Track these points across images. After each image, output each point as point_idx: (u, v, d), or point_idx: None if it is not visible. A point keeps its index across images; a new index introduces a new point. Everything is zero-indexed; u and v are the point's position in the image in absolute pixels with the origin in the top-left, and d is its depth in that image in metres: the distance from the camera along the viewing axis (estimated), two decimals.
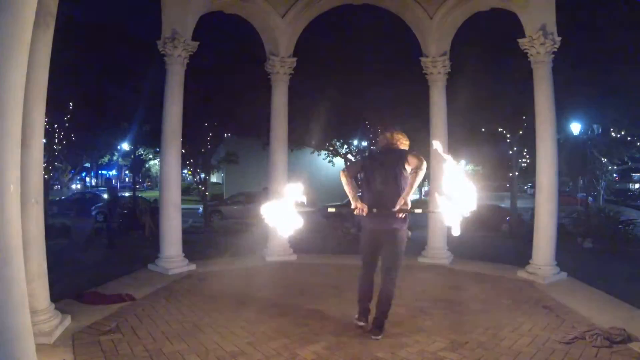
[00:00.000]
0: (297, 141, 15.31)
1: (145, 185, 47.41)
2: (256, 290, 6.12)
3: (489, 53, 11.70)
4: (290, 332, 4.45)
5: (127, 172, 50.67)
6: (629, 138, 20.43)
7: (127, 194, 28.12)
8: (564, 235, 9.89)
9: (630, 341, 4.10)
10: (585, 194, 20.08)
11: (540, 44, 6.69)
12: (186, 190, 25.90)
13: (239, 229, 14.52)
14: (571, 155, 18.30)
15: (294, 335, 4.36)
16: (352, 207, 4.25)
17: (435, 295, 5.83)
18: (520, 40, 6.96)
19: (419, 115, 10.47)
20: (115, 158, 34.69)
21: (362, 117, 17.16)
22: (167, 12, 7.12)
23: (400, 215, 4.22)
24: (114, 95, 15.04)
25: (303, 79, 9.30)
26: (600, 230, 11.66)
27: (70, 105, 15.56)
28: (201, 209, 17.96)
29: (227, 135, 18.84)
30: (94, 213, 16.34)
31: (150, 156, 30.75)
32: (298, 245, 8.58)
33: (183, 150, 8.41)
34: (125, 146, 27.94)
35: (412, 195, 4.24)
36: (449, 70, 8.22)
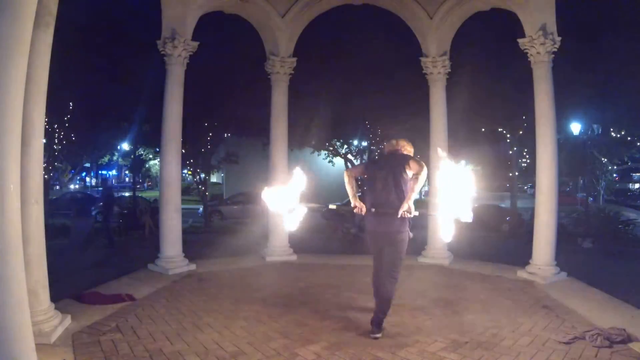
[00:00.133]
0: (297, 141, 15.30)
1: (145, 185, 47.39)
2: (256, 290, 6.11)
3: (489, 53, 11.71)
4: (290, 332, 4.45)
5: (127, 172, 50.67)
6: (629, 138, 20.43)
7: (127, 194, 28.14)
8: (564, 235, 9.89)
9: (630, 341, 4.10)
10: (585, 194, 20.08)
11: (540, 44, 6.69)
12: (186, 190, 25.91)
13: (239, 229, 14.53)
14: (571, 155, 18.30)
15: (294, 335, 4.36)
16: (352, 205, 4.39)
17: (435, 295, 5.83)
18: (520, 40, 6.96)
19: (419, 115, 10.47)
20: (115, 158, 34.72)
21: (362, 117, 17.17)
22: (167, 12, 7.13)
23: (401, 216, 4.26)
24: (114, 95, 15.03)
25: (303, 79, 9.30)
26: (600, 230, 11.66)
27: (70, 105, 15.58)
28: (201, 209, 17.96)
29: (227, 135, 18.84)
30: (93, 213, 16.33)
31: (150, 156, 30.77)
32: (298, 245, 8.57)
33: (183, 150, 8.41)
34: (125, 146, 27.98)
35: (413, 198, 4.30)
36: (449, 70, 8.22)
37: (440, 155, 3.98)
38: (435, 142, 8.19)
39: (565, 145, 17.30)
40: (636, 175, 40.50)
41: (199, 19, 7.44)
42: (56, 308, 4.47)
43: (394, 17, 8.55)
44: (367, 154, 20.87)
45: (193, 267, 7.30)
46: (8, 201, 2.76)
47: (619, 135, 19.97)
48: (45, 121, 4.90)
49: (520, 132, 15.07)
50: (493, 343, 4.17)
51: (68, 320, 4.53)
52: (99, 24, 13.51)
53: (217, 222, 17.54)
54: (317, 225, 13.84)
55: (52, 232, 9.89)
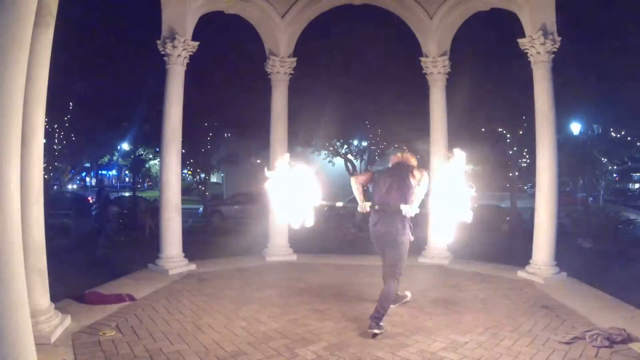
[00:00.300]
0: (297, 141, 15.29)
1: (145, 185, 47.38)
2: (256, 290, 6.11)
3: (489, 53, 11.70)
4: (290, 332, 4.45)
5: (127, 172, 50.64)
6: (629, 138, 20.39)
7: (127, 194, 28.14)
8: (564, 235, 9.89)
9: (630, 341, 4.10)
10: (585, 194, 20.06)
11: (540, 44, 6.69)
12: (186, 190, 25.90)
13: (239, 229, 14.52)
14: (571, 155, 18.27)
15: (294, 335, 4.37)
16: (360, 209, 4.72)
17: (435, 295, 5.83)
18: (520, 40, 6.96)
19: (419, 115, 10.47)
20: (115, 158, 34.69)
21: (362, 117, 17.15)
22: (167, 12, 7.13)
23: (401, 217, 4.50)
24: (114, 95, 15.03)
25: (303, 79, 9.30)
26: (600, 230, 11.65)
27: (70, 105, 15.56)
28: (201, 209, 17.94)
29: (227, 135, 18.82)
30: (94, 213, 16.33)
31: (150, 156, 30.74)
32: (298, 245, 8.57)
33: (183, 150, 8.40)
34: (125, 146, 27.97)
35: (416, 203, 4.52)
36: (449, 70, 8.23)
37: (448, 155, 4.17)
38: (435, 142, 8.19)
39: (565, 145, 17.26)
40: (636, 175, 40.44)
41: (199, 19, 7.43)
42: (56, 308, 4.47)
43: (394, 17, 8.55)
44: (367, 154, 20.88)
45: (193, 267, 7.30)
46: (8, 201, 2.76)
47: (619, 135, 19.93)
48: (45, 121, 4.90)
49: (520, 132, 15.04)
50: (493, 343, 4.17)
51: (68, 320, 4.53)
52: (99, 23, 13.50)
53: (217, 222, 17.52)
54: (317, 226, 13.84)
55: (52, 232, 9.90)
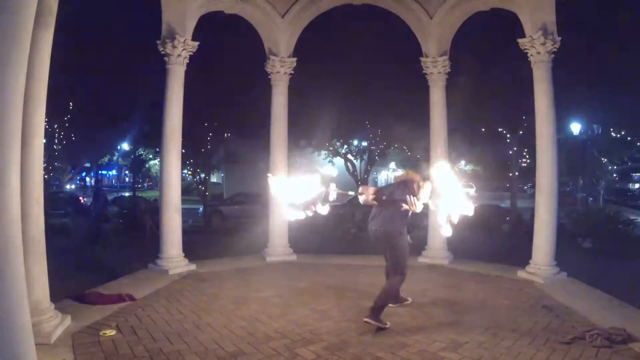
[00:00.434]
0: (297, 141, 15.31)
1: (146, 185, 47.40)
2: (256, 290, 6.11)
3: (489, 53, 11.70)
4: (290, 332, 4.45)
5: (127, 172, 50.65)
6: (629, 138, 20.40)
7: (127, 194, 28.15)
8: (564, 235, 9.87)
9: (630, 341, 4.10)
10: (585, 194, 20.08)
11: (540, 44, 6.69)
12: (186, 190, 25.92)
13: (239, 229, 14.51)
14: (571, 155, 18.29)
15: (294, 335, 4.36)
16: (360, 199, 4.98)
17: (435, 295, 5.83)
18: (520, 40, 6.96)
19: (418, 114, 10.47)
20: (115, 158, 34.73)
21: (362, 116, 17.16)
22: (167, 12, 7.13)
23: (400, 215, 4.67)
24: (114, 95, 15.03)
25: (303, 79, 9.30)
26: (600, 230, 11.64)
27: (70, 105, 15.57)
28: (201, 209, 17.95)
29: (227, 135, 18.84)
30: (94, 215, 16.35)
31: (150, 156, 30.76)
32: (298, 245, 8.57)
33: (183, 150, 8.40)
34: (125, 146, 27.99)
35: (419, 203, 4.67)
36: (449, 70, 8.22)
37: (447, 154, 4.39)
38: (435, 142, 8.19)
39: (565, 145, 17.28)
40: (636, 175, 40.43)
41: (199, 19, 7.43)
42: (56, 308, 4.47)
43: (394, 17, 8.55)
44: (367, 154, 20.88)
45: (193, 267, 7.30)
46: (8, 201, 2.75)
47: (619, 135, 19.94)
48: (45, 121, 4.90)
49: (520, 132, 15.05)
50: (493, 343, 4.17)
51: (68, 320, 4.53)
52: (99, 23, 13.51)
53: (217, 222, 17.52)
54: (317, 225, 13.83)
55: (52, 232, 9.91)
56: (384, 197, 4.88)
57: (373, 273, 6.17)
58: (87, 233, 10.84)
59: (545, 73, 6.81)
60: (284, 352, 3.97)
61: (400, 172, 5.47)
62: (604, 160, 20.92)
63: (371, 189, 5.10)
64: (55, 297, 4.60)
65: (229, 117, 15.73)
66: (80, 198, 22.55)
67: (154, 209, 11.74)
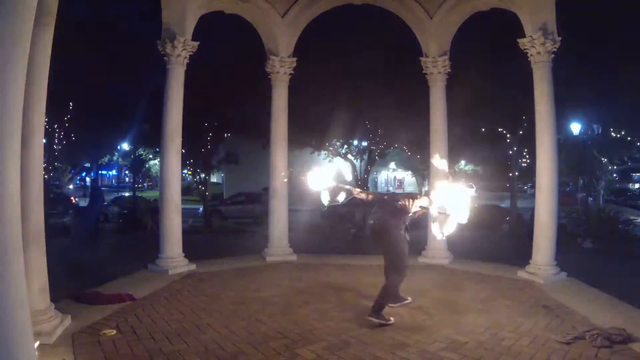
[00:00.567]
0: (297, 141, 15.29)
1: (146, 185, 47.42)
2: (256, 290, 6.11)
3: (489, 53, 11.69)
4: (290, 332, 4.45)
5: (127, 172, 50.67)
6: (629, 138, 20.37)
7: (127, 194, 28.15)
8: (564, 235, 9.88)
9: (630, 341, 4.10)
10: (585, 194, 20.05)
11: (540, 43, 6.69)
12: (186, 190, 25.96)
13: (239, 229, 14.53)
14: (571, 155, 18.27)
15: (294, 335, 4.36)
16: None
17: (435, 295, 5.82)
18: (520, 40, 6.96)
19: (418, 114, 10.47)
20: (115, 158, 34.73)
21: (362, 117, 17.15)
22: (167, 12, 7.13)
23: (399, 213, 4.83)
24: (114, 95, 15.03)
25: (303, 79, 9.30)
26: (600, 230, 11.65)
27: (70, 105, 15.58)
28: (201, 209, 17.95)
29: (227, 135, 18.85)
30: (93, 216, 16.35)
31: (150, 156, 30.77)
32: (298, 245, 8.57)
33: (183, 150, 8.40)
34: (125, 146, 27.99)
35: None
36: (449, 70, 8.22)
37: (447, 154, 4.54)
38: (435, 142, 8.19)
39: (565, 145, 17.27)
40: (636, 175, 40.45)
41: (199, 19, 7.43)
42: (56, 308, 4.47)
43: (394, 17, 8.54)
44: (367, 154, 20.87)
45: (193, 267, 7.30)
46: (8, 201, 2.75)
47: (619, 135, 19.92)
48: (45, 121, 4.90)
49: (520, 132, 15.04)
50: (493, 343, 4.17)
51: (68, 320, 4.53)
52: (99, 23, 13.51)
53: (217, 222, 17.54)
54: (317, 226, 13.84)
55: (52, 232, 9.92)
56: (385, 197, 5.07)
57: (373, 273, 6.18)
58: (85, 234, 10.84)
59: (545, 73, 6.81)
60: (284, 352, 3.97)
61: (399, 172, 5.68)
62: (604, 160, 20.88)
63: (364, 193, 5.29)
64: (55, 297, 4.60)
65: (229, 117, 15.73)
66: (72, 198, 22.56)
67: (154, 209, 11.77)
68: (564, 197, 18.98)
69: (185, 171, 19.71)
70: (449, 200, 4.29)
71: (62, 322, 4.38)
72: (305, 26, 8.49)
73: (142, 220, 13.17)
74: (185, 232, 7.90)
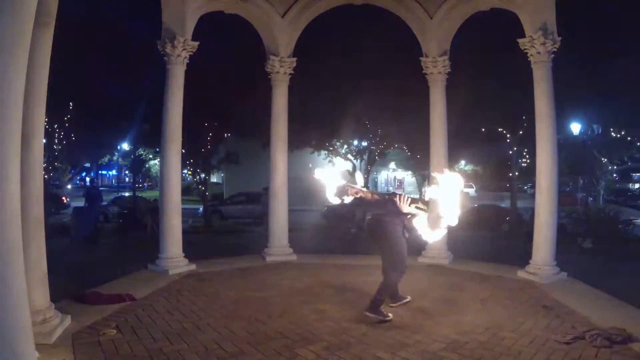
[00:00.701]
0: (297, 141, 15.31)
1: (146, 185, 47.42)
2: (256, 290, 6.11)
3: (489, 53, 11.70)
4: (290, 332, 4.44)
5: (127, 172, 50.68)
6: (629, 138, 20.40)
7: (127, 194, 28.15)
8: (564, 235, 9.89)
9: (630, 341, 4.09)
10: (585, 194, 20.08)
11: (540, 43, 6.69)
12: (186, 190, 25.96)
13: (239, 229, 14.53)
14: (571, 155, 18.29)
15: (294, 335, 4.36)
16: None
17: (435, 295, 5.82)
18: (520, 40, 6.95)
19: (418, 114, 10.47)
20: (115, 158, 34.75)
21: (362, 117, 17.17)
22: (167, 12, 7.12)
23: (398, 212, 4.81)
24: (114, 95, 15.04)
25: (303, 79, 9.30)
26: (600, 230, 11.65)
27: (70, 105, 15.58)
28: (201, 209, 17.96)
29: (227, 135, 18.87)
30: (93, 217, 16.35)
31: (150, 156, 30.78)
32: (298, 245, 8.57)
33: (183, 150, 8.40)
34: (125, 146, 28.00)
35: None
36: (449, 70, 8.22)
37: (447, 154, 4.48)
38: (435, 142, 8.19)
39: (565, 145, 17.28)
40: (636, 175, 40.46)
41: (199, 19, 7.43)
42: (56, 308, 4.47)
43: (394, 17, 8.54)
44: (367, 154, 20.88)
45: (193, 267, 7.30)
46: (8, 201, 2.76)
47: (619, 135, 19.94)
48: (45, 121, 4.90)
49: (520, 132, 15.05)
50: (493, 343, 4.17)
51: (68, 320, 4.52)
52: (99, 23, 13.51)
53: (217, 222, 17.55)
54: (317, 226, 13.85)
55: (52, 232, 9.93)
56: (386, 197, 5.04)
57: (373, 273, 6.16)
58: (85, 234, 10.84)
59: (545, 73, 6.81)
60: (284, 352, 3.97)
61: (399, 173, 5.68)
62: (604, 160, 20.91)
63: (364, 192, 5.24)
64: (55, 297, 4.59)
65: (229, 117, 15.73)
66: (63, 198, 22.56)
67: (154, 209, 11.76)
68: (564, 197, 19.00)
69: (185, 171, 19.72)
70: (441, 199, 4.25)
71: (62, 322, 4.37)
72: (305, 26, 8.49)
73: (142, 220, 13.16)
74: (185, 232, 7.90)
